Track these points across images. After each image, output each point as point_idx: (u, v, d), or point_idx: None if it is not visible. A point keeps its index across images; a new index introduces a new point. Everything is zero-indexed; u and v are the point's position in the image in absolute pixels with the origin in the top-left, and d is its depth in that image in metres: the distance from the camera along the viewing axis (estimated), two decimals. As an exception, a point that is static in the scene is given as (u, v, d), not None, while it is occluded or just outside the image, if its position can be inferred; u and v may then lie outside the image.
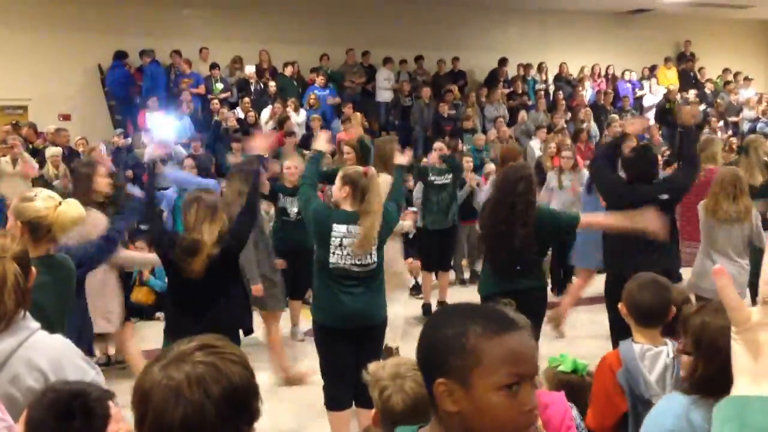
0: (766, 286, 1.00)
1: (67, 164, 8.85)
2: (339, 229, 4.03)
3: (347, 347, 4.12)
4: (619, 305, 3.02)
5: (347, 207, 4.09)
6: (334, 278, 4.07)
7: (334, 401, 4.24)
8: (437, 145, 7.73)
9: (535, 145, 11.81)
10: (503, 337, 1.27)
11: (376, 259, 4.11)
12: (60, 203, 2.87)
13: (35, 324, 2.16)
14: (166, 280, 4.36)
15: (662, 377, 2.83)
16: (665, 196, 4.94)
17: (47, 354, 2.08)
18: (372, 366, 2.27)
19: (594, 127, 13.42)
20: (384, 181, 5.60)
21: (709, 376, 1.97)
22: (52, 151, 9.34)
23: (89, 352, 4.32)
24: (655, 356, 2.86)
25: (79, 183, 5.01)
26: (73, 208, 2.90)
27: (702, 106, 14.85)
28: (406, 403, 2.14)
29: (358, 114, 12.06)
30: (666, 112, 14.69)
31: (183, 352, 1.41)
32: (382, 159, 5.76)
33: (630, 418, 2.80)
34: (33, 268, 2.24)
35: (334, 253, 4.03)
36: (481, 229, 4.77)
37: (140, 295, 7.32)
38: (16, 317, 2.09)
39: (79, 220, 2.91)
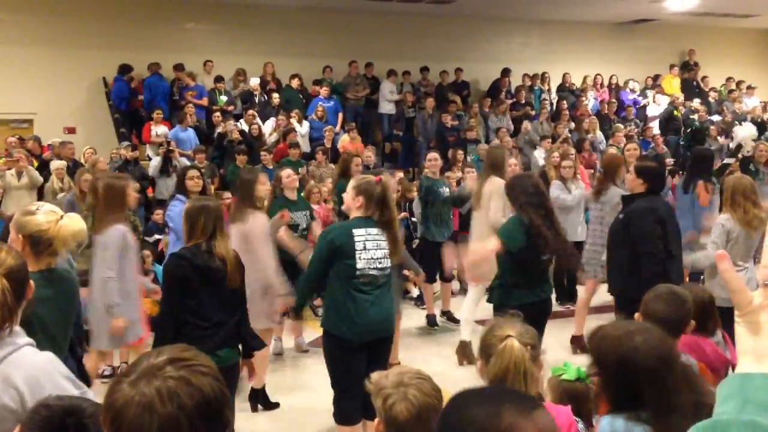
0: (765, 269, 1.04)
1: (72, 177, 8.87)
2: (359, 233, 4.05)
3: (363, 360, 4.09)
4: (636, 315, 2.99)
5: (358, 214, 4.12)
6: (359, 288, 4.05)
7: (347, 416, 4.18)
8: (431, 155, 7.72)
9: (540, 155, 11.81)
10: (534, 415, 1.28)
11: (390, 264, 4.16)
12: (61, 217, 2.86)
13: (24, 340, 2.12)
14: (170, 298, 3.99)
15: None
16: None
17: (26, 372, 2.03)
18: (375, 375, 2.26)
19: (600, 136, 13.43)
20: (497, 185, 5.92)
21: (618, 389, 1.99)
22: (57, 164, 9.37)
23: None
24: None
25: (243, 190, 5.43)
26: (74, 222, 2.88)
27: (707, 117, 14.86)
28: (410, 412, 2.11)
29: (357, 138, 12.19)
30: (672, 120, 14.70)
31: (153, 366, 1.40)
32: (493, 165, 6.23)
33: None
34: (31, 282, 2.22)
35: (360, 258, 4.03)
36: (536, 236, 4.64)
37: (145, 306, 7.15)
38: (2, 333, 2.05)
39: (80, 234, 2.89)
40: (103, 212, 5.03)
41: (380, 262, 4.08)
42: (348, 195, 4.18)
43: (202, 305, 3.87)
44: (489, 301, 4.90)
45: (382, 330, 4.17)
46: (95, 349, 5.16)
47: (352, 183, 4.23)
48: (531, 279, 4.67)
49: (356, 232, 4.05)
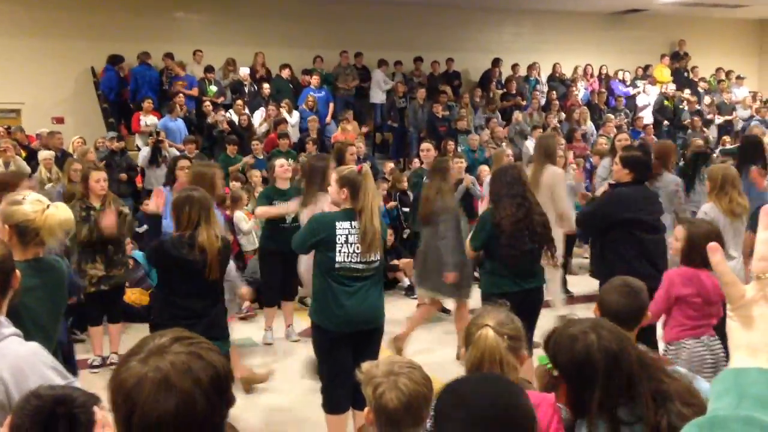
0: (759, 262, 1.02)
1: (60, 167, 8.81)
2: (343, 225, 4.01)
3: (348, 351, 4.09)
4: (593, 309, 3.04)
5: (347, 207, 4.08)
6: (339, 280, 4.03)
7: (334, 404, 4.20)
8: (424, 146, 7.72)
9: (530, 146, 11.80)
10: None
11: (379, 257, 4.11)
12: (48, 206, 2.84)
13: (9, 330, 2.12)
14: (161, 282, 4.20)
15: None
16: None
17: (10, 362, 2.03)
18: (365, 365, 2.26)
19: (590, 126, 13.45)
20: (552, 174, 6.10)
21: (577, 391, 2.03)
22: (45, 155, 9.29)
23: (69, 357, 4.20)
24: None
25: (314, 175, 5.58)
26: (61, 211, 2.86)
27: (697, 106, 14.92)
28: (400, 400, 2.11)
29: (354, 123, 12.14)
30: (663, 110, 14.75)
31: (161, 345, 1.39)
32: (546, 153, 6.32)
33: None
34: (17, 272, 2.21)
35: (340, 251, 4.00)
36: (503, 228, 4.69)
37: (134, 296, 7.15)
38: None
39: (67, 223, 2.87)
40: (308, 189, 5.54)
41: (365, 257, 4.04)
42: (332, 188, 4.15)
43: (179, 295, 3.96)
44: (480, 287, 5.00)
45: (365, 322, 4.12)
46: None
47: (334, 176, 4.19)
48: (512, 268, 4.71)
49: (339, 224, 4.02)
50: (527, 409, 1.62)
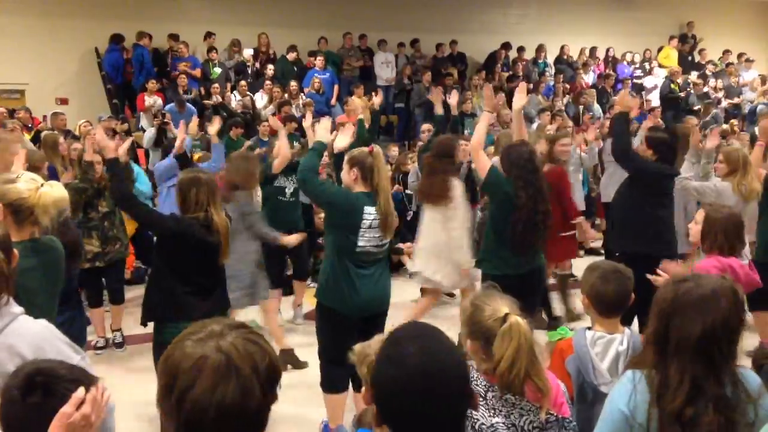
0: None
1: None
2: (369, 211, 4.00)
3: (353, 334, 4.04)
4: (581, 297, 3.01)
5: (360, 189, 4.05)
6: (356, 263, 4.02)
7: (333, 384, 4.23)
8: (425, 126, 7.70)
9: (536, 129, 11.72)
10: None
11: (388, 240, 4.13)
12: (42, 185, 2.82)
13: (18, 309, 2.14)
14: (167, 257, 4.05)
15: (614, 365, 2.80)
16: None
17: (29, 340, 2.07)
18: (357, 346, 2.24)
19: (597, 109, 13.35)
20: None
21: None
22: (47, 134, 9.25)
23: (80, 337, 4.22)
24: (607, 343, 2.83)
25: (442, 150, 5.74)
26: (55, 189, 2.84)
27: (705, 88, 14.78)
28: None
29: (362, 98, 12.01)
30: (670, 93, 14.61)
31: (216, 330, 1.35)
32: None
33: (575, 405, 2.75)
34: (15, 252, 2.20)
35: (363, 236, 3.99)
36: (517, 210, 4.60)
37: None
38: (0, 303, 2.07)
39: (62, 201, 2.85)
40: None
41: (380, 240, 4.06)
42: (344, 170, 4.13)
43: (191, 273, 3.94)
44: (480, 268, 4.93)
45: (378, 306, 4.16)
46: None
47: (346, 157, 4.17)
48: (507, 250, 4.63)
49: (368, 209, 3.99)
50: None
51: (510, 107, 13.00)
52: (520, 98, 4.99)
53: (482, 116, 4.92)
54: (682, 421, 1.89)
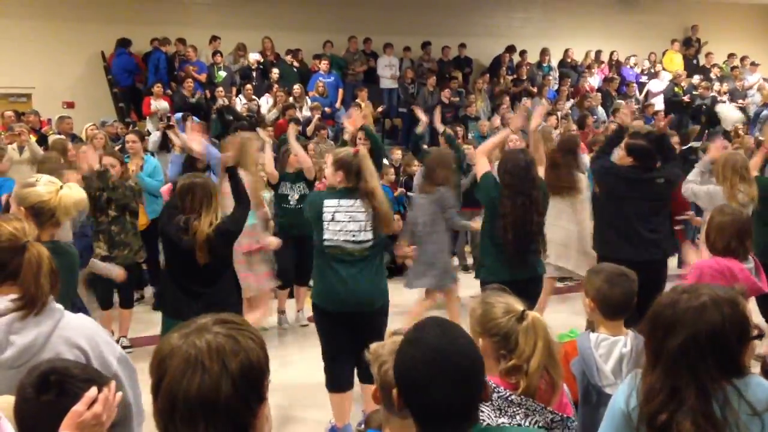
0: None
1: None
2: (330, 203, 4.05)
3: (344, 330, 4.15)
4: (586, 301, 3.00)
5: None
6: (330, 260, 4.07)
7: (333, 383, 4.29)
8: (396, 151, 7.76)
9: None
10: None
11: (371, 237, 4.07)
12: (61, 187, 2.88)
13: (60, 305, 2.22)
14: (164, 258, 4.40)
15: (618, 366, 2.81)
16: (661, 180, 5.16)
17: (82, 332, 2.17)
18: (373, 345, 2.28)
19: (601, 112, 13.37)
20: None
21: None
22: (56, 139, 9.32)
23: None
24: (611, 345, 2.84)
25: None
26: (74, 191, 2.90)
27: (710, 93, 14.77)
28: None
29: (368, 103, 12.06)
30: (675, 100, 14.61)
31: (203, 325, 1.43)
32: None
33: (579, 407, 2.77)
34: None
35: (327, 228, 4.04)
36: (501, 217, 4.63)
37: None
38: (49, 299, 2.16)
39: (82, 203, 2.92)
40: None
41: (354, 235, 4.03)
42: (328, 171, 4.18)
43: (176, 273, 4.11)
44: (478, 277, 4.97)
45: (359, 305, 4.11)
46: None
47: (330, 158, 4.21)
48: (502, 257, 4.66)
49: (327, 202, 4.06)
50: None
51: (513, 108, 13.12)
52: (537, 119, 5.14)
53: (503, 131, 5.26)
54: (656, 426, 1.89)
